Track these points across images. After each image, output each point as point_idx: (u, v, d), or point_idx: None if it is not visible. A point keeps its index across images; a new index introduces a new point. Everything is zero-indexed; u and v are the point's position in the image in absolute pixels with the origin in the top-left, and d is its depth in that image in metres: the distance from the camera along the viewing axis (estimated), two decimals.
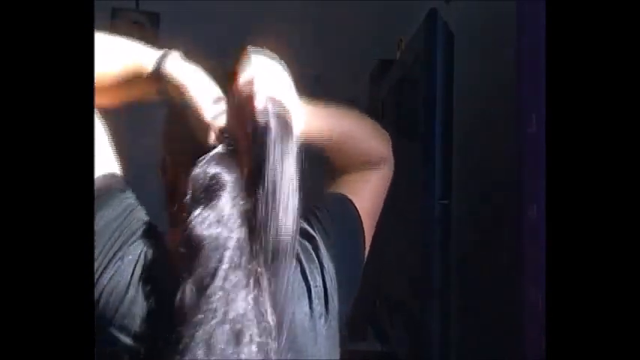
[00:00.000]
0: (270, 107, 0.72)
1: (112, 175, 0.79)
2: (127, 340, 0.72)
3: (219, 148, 0.74)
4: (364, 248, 0.89)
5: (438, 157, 1.75)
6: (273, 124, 0.71)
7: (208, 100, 0.75)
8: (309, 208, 0.84)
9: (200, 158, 0.73)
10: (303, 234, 0.81)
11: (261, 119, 0.72)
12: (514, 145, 1.68)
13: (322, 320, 0.78)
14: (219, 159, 0.73)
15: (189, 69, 0.76)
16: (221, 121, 0.75)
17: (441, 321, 1.74)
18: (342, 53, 2.69)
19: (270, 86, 0.74)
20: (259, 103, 0.72)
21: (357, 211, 0.88)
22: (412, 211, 1.89)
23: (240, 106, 0.74)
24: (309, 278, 0.79)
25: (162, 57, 0.76)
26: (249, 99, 0.73)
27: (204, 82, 0.76)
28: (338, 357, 0.81)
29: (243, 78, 0.75)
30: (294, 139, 0.73)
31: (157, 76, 0.75)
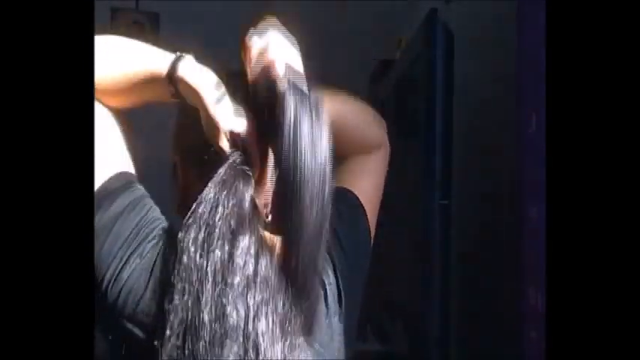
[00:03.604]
0: (289, 75, 0.70)
1: (127, 173, 0.79)
2: (141, 334, 0.72)
3: (232, 158, 0.74)
4: (370, 238, 0.90)
5: (438, 157, 1.75)
6: (293, 94, 0.69)
7: (222, 105, 0.74)
8: None
9: (212, 175, 0.73)
10: None
11: (281, 88, 0.69)
12: (514, 145, 1.68)
13: (337, 317, 0.80)
14: (233, 177, 0.73)
15: (203, 72, 0.76)
16: (235, 125, 0.74)
17: (440, 321, 1.74)
18: (342, 53, 2.68)
19: (286, 54, 0.73)
20: (278, 70, 0.70)
21: (360, 202, 0.89)
22: (412, 211, 1.89)
23: (256, 79, 0.73)
24: (323, 276, 0.79)
25: (176, 60, 0.76)
26: (266, 69, 0.71)
27: (216, 86, 0.75)
28: (348, 355, 0.82)
29: (257, 46, 0.73)
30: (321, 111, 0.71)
31: (171, 79, 0.75)
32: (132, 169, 0.81)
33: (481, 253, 2.24)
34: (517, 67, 1.67)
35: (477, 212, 2.27)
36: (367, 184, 0.92)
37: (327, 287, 0.80)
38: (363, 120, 0.95)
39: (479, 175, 2.25)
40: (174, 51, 0.78)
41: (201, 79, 0.75)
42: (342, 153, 0.92)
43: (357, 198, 0.89)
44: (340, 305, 0.81)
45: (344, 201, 0.88)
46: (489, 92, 2.21)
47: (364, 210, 0.90)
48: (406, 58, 2.17)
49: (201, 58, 0.81)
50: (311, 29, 2.66)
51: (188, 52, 0.78)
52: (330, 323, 0.79)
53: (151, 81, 0.77)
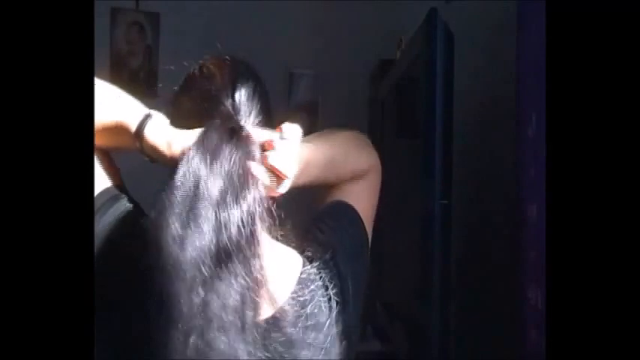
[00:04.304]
0: None
1: (110, 188, 0.82)
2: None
3: None
4: (368, 249, 0.92)
5: (438, 157, 1.75)
6: None
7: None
8: (318, 218, 0.87)
9: None
10: (321, 243, 0.84)
11: None
12: (514, 146, 1.68)
13: (336, 319, 0.80)
14: None
15: (169, 133, 0.78)
16: None
17: (440, 321, 1.74)
18: (342, 53, 2.68)
19: None
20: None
21: (359, 214, 0.91)
22: (412, 211, 1.89)
23: None
24: (329, 287, 0.81)
25: (144, 120, 0.78)
26: None
27: (180, 145, 0.76)
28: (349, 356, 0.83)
29: None
30: None
31: (138, 136, 0.78)
32: (111, 183, 0.83)
33: (481, 253, 2.24)
34: (517, 67, 1.67)
35: (477, 212, 2.28)
36: (361, 202, 0.93)
37: (333, 298, 0.81)
38: (352, 153, 0.96)
39: (479, 175, 2.25)
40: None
41: (166, 140, 0.77)
42: (334, 183, 0.94)
43: (356, 210, 0.91)
44: (345, 314, 0.82)
45: (344, 212, 0.91)
46: (489, 92, 2.21)
47: (362, 222, 0.92)
48: (406, 58, 2.16)
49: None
50: (311, 29, 2.67)
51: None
52: (331, 324, 0.79)
53: (119, 133, 0.79)
